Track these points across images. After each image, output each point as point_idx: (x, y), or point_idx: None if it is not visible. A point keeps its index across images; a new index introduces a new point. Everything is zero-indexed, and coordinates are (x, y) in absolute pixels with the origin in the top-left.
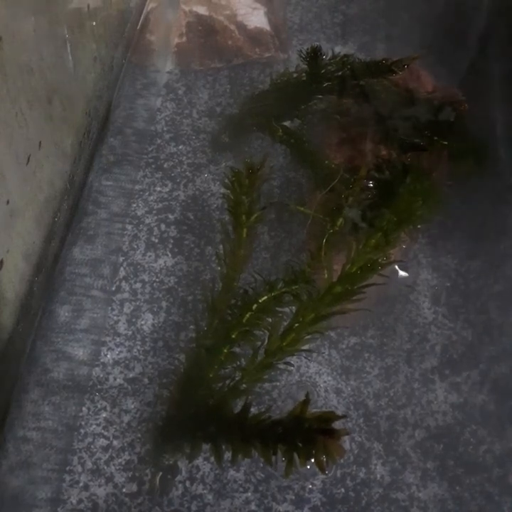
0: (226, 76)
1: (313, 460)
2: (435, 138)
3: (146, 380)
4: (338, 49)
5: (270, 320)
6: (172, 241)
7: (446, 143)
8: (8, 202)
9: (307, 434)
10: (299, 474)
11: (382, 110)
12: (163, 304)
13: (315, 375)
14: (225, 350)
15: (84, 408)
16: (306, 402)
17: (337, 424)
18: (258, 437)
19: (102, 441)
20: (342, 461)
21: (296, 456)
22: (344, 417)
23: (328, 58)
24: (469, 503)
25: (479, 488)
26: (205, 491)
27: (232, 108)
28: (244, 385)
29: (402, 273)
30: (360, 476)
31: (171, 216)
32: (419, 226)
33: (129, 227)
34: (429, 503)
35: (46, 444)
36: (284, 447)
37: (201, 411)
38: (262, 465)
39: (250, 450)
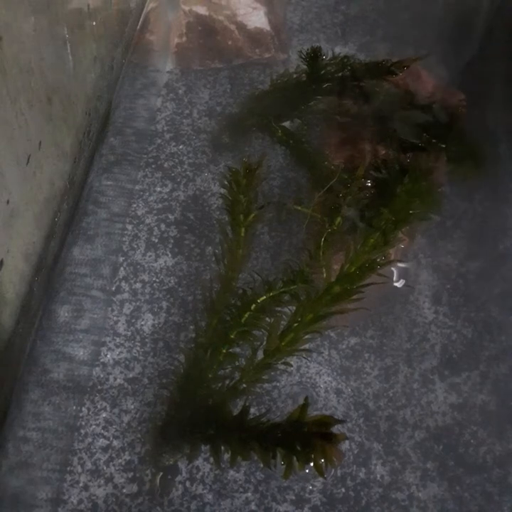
0: (226, 76)
1: (312, 464)
2: (434, 139)
3: (145, 381)
4: (338, 49)
5: (269, 320)
6: (172, 241)
7: (445, 143)
8: (8, 202)
9: (306, 438)
10: (298, 476)
11: (381, 111)
12: (163, 304)
13: (315, 375)
14: (224, 351)
15: (84, 408)
16: (304, 406)
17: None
18: (257, 440)
19: (102, 442)
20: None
21: (294, 459)
22: (343, 421)
23: (328, 59)
24: (469, 503)
25: (479, 488)
26: (205, 491)
27: (232, 108)
28: (243, 385)
29: (402, 273)
30: (360, 476)
31: (171, 216)
32: (417, 226)
33: (129, 227)
34: (429, 503)
35: (46, 444)
36: (283, 451)
37: (201, 411)
38: (261, 466)
39: (249, 453)
